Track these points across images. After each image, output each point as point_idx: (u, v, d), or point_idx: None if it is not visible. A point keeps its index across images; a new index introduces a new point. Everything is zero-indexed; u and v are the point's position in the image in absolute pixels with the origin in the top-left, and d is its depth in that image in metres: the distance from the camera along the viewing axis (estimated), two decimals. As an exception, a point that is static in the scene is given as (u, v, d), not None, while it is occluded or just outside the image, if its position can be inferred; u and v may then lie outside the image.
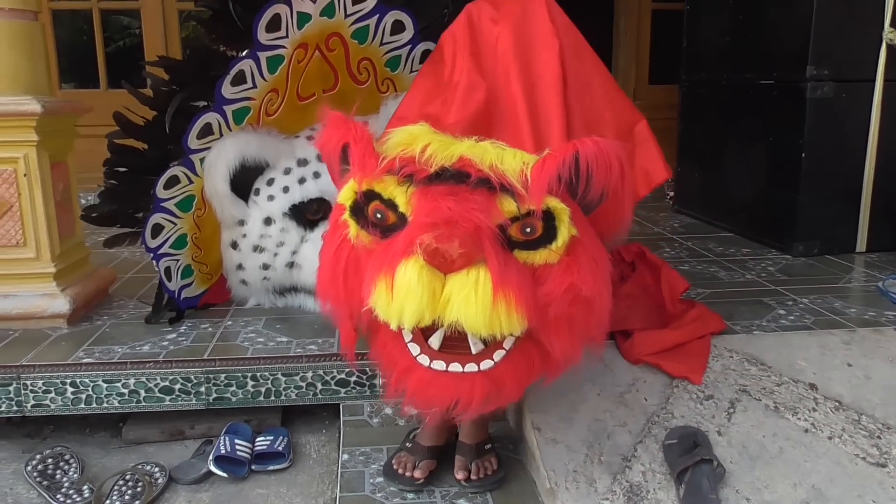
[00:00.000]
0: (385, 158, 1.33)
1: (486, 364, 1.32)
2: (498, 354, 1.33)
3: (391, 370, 1.39)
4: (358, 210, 1.35)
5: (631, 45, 4.38)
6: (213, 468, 1.74)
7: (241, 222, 2.17)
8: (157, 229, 2.04)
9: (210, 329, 2.11)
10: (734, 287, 2.48)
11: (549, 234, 1.29)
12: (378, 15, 2.12)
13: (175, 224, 2.08)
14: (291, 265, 2.20)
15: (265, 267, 2.20)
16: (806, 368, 1.91)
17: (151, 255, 2.07)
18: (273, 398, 1.90)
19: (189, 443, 1.93)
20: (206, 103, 2.02)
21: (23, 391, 1.83)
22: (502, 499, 1.59)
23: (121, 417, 2.01)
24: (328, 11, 2.05)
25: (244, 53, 2.00)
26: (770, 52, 3.00)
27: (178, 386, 1.86)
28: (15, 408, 1.83)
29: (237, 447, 1.78)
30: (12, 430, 1.98)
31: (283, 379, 1.89)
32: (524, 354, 1.35)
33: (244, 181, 2.13)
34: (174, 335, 2.06)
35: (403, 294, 1.23)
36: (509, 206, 1.27)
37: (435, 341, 1.34)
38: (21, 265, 2.10)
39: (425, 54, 2.28)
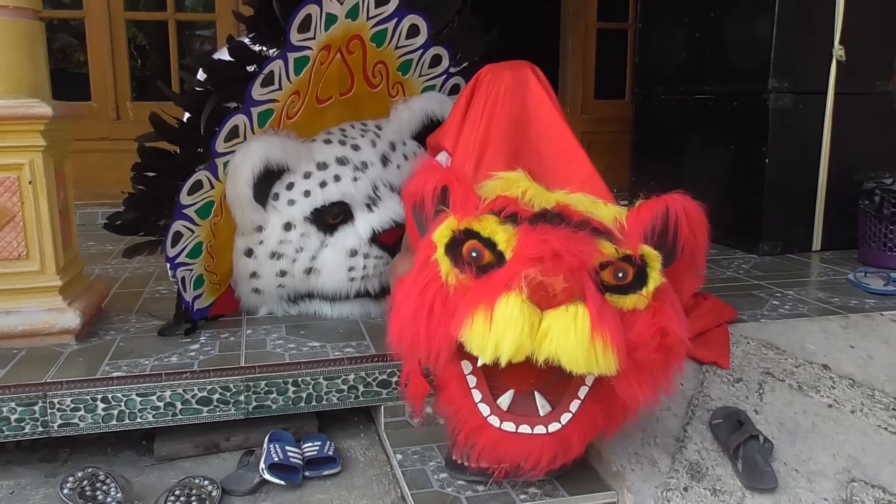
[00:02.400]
0: (486, 199, 1.41)
1: (554, 426, 1.43)
2: (565, 417, 1.44)
3: (460, 426, 1.47)
4: (453, 249, 1.40)
5: (577, 61, 4.55)
6: (267, 476, 1.68)
7: (259, 228, 2.12)
8: (177, 237, 1.97)
9: (232, 338, 2.05)
10: (719, 283, 2.63)
11: (640, 280, 1.39)
12: (397, 18, 2.14)
13: (193, 232, 2.01)
14: (309, 271, 2.17)
15: (282, 274, 2.16)
16: (816, 351, 2.06)
17: (169, 264, 1.99)
18: (314, 403, 1.86)
19: (226, 455, 1.86)
20: (236, 105, 1.97)
21: (49, 410, 1.71)
22: (570, 485, 1.62)
23: (143, 435, 1.91)
24: (353, 13, 2.05)
25: (276, 54, 1.95)
26: (730, 67, 3.21)
27: (216, 396, 1.80)
28: (40, 428, 1.71)
29: (289, 454, 1.73)
30: (26, 456, 1.85)
31: (325, 383, 1.86)
32: (589, 415, 1.45)
33: (263, 185, 2.09)
34: (197, 346, 1.99)
35: (503, 326, 1.29)
36: (608, 248, 1.37)
37: (504, 402, 1.44)
38: (24, 279, 1.97)
39: (434, 59, 2.32)
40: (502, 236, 1.37)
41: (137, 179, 1.99)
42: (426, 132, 2.32)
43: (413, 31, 2.20)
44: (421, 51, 2.26)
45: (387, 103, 2.31)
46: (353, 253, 2.16)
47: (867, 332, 2.16)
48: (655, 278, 1.39)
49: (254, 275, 2.18)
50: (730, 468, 1.65)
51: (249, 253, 2.15)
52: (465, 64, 2.36)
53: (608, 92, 4.70)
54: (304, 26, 1.92)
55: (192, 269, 2.06)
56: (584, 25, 4.57)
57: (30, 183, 1.94)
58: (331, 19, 1.99)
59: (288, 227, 2.12)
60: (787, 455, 1.70)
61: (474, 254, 1.39)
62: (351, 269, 2.17)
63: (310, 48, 1.98)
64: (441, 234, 1.41)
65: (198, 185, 1.96)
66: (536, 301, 1.30)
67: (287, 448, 1.75)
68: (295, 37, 1.91)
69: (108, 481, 1.68)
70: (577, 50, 4.58)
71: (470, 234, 1.39)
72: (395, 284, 1.79)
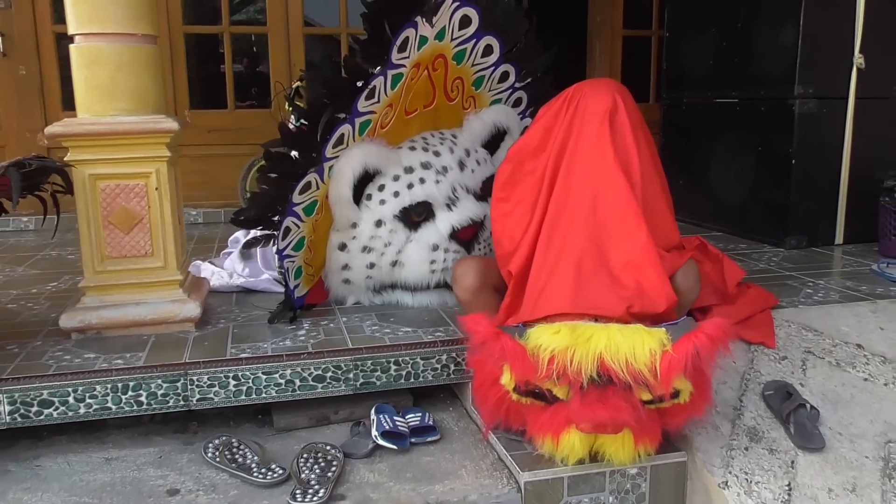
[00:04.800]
0: (542, 372, 1.64)
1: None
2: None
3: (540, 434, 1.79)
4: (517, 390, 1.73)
5: (604, 67, 4.81)
6: (381, 442, 1.94)
7: (354, 225, 2.39)
8: (286, 232, 2.24)
9: (332, 325, 2.31)
10: (754, 274, 2.88)
11: (674, 396, 1.68)
12: (475, 39, 2.40)
13: (299, 227, 2.28)
14: (395, 263, 2.44)
15: (371, 266, 2.43)
16: (850, 332, 2.31)
17: (278, 255, 2.26)
18: (412, 380, 2.12)
19: (335, 426, 2.11)
20: (344, 115, 2.23)
21: (189, 386, 1.97)
22: (646, 447, 1.88)
23: (258, 410, 2.17)
24: (440, 35, 2.32)
25: (377, 71, 2.21)
26: (757, 73, 3.46)
27: (329, 374, 2.05)
28: (182, 402, 1.97)
29: (397, 423, 1.99)
30: (160, 428, 2.10)
31: (422, 362, 2.11)
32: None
33: (359, 188, 2.36)
34: (304, 332, 2.24)
35: (567, 453, 1.75)
36: (646, 395, 1.66)
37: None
38: (150, 274, 2.23)
39: (503, 75, 2.57)
40: (560, 392, 1.68)
41: (263, 180, 2.27)
42: (493, 140, 2.59)
43: (487, 51, 2.46)
44: (492, 68, 2.52)
45: (460, 115, 2.56)
46: (435, 247, 2.42)
47: (894, 316, 2.41)
48: (685, 394, 1.67)
49: (345, 267, 2.45)
50: (782, 432, 1.91)
51: (343, 247, 2.42)
52: (529, 80, 2.61)
53: (634, 96, 4.93)
54: (403, 46, 2.19)
55: (294, 261, 2.32)
56: (610, 33, 4.83)
57: (156, 189, 2.19)
58: (423, 40, 2.25)
59: (378, 224, 2.39)
60: (831, 421, 1.96)
61: (537, 391, 1.71)
62: (432, 262, 2.43)
63: (405, 66, 2.24)
64: (505, 380, 1.71)
65: (307, 186, 2.23)
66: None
67: (394, 418, 2.01)
68: (395, 56, 2.18)
69: (241, 447, 1.94)
70: (604, 56, 4.84)
71: (530, 385, 1.70)
72: (457, 286, 2.12)
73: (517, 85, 2.61)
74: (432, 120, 2.53)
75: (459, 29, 2.34)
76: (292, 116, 4.18)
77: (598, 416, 1.63)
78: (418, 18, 2.22)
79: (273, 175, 2.21)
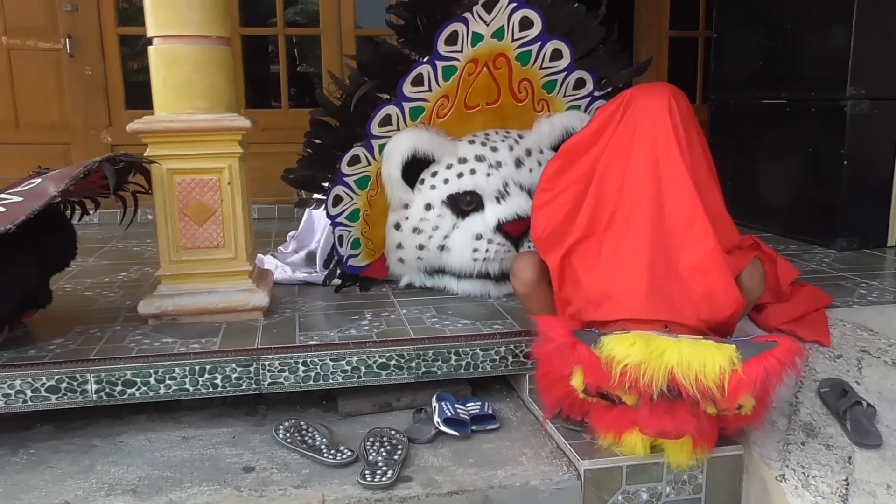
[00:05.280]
0: (614, 381, 1.70)
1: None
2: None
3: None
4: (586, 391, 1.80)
5: (651, 69, 4.83)
6: (443, 428, 2.02)
7: (406, 206, 2.53)
8: (338, 200, 2.42)
9: (393, 316, 2.39)
10: (806, 274, 2.89)
11: (737, 409, 1.71)
12: (540, 42, 2.47)
13: (352, 198, 2.45)
14: (442, 248, 2.55)
15: (420, 247, 2.56)
16: (905, 332, 2.33)
17: (330, 221, 2.45)
18: (471, 370, 2.19)
19: (397, 413, 2.20)
20: (388, 97, 2.39)
21: (261, 371, 2.06)
22: (702, 439, 1.93)
23: (321, 396, 2.26)
24: (498, 34, 2.41)
25: (424, 59, 2.38)
26: (807, 74, 3.47)
27: (393, 362, 2.13)
28: (254, 386, 2.07)
29: (458, 410, 2.07)
30: (231, 410, 2.21)
31: (481, 353, 2.18)
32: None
33: (413, 170, 2.49)
34: (366, 322, 2.33)
35: (628, 451, 1.82)
36: (711, 409, 1.71)
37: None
38: (221, 264, 2.34)
39: (578, 82, 2.63)
40: (629, 399, 1.74)
41: (307, 144, 2.49)
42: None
43: (556, 55, 2.53)
44: (565, 73, 2.58)
45: (531, 116, 2.64)
46: (479, 237, 2.51)
47: (949, 317, 2.42)
48: (748, 407, 1.70)
49: (399, 245, 2.59)
50: (839, 428, 1.94)
51: (397, 226, 2.56)
52: (610, 89, 2.67)
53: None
54: (451, 40, 2.32)
55: (350, 231, 2.49)
56: (656, 34, 4.86)
57: (228, 184, 2.30)
58: (477, 37, 2.36)
59: (428, 207, 2.51)
60: (887, 419, 1.98)
61: (604, 394, 1.77)
62: (475, 250, 2.51)
63: (457, 59, 2.37)
64: (576, 382, 1.77)
65: (356, 159, 2.41)
66: None
67: (455, 406, 2.09)
68: (442, 48, 2.33)
69: (310, 429, 2.04)
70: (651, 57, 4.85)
71: (600, 390, 1.77)
72: (515, 280, 2.15)
73: (596, 94, 2.67)
74: (499, 118, 2.61)
75: (521, 30, 2.42)
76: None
77: (664, 426, 1.72)
78: (468, 14, 2.32)
79: (317, 141, 2.40)
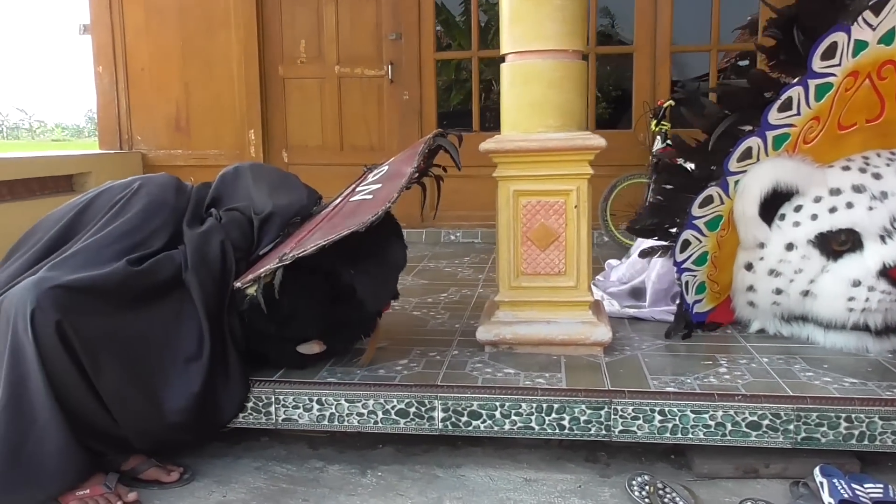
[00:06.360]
0: None
1: None
2: None
3: None
4: None
5: None
6: (839, 512, 1.66)
7: (761, 245, 2.20)
8: (685, 245, 2.18)
9: (755, 365, 2.06)
10: None
11: None
12: (941, 42, 2.02)
13: (700, 242, 2.19)
14: (806, 294, 2.18)
15: (777, 292, 2.22)
16: None
17: (676, 268, 2.20)
18: (866, 442, 1.79)
19: (765, 481, 1.87)
20: (750, 128, 2.10)
21: (612, 416, 1.86)
22: None
23: (670, 449, 2.00)
24: (887, 38, 2.02)
25: (795, 80, 2.06)
26: None
27: (766, 422, 1.81)
28: (603, 432, 1.87)
29: (856, 492, 1.69)
30: (569, 454, 2.03)
31: (881, 423, 1.78)
32: None
33: (771, 205, 2.17)
34: (724, 369, 2.03)
35: None
36: None
37: None
38: (562, 293, 2.18)
39: None
40: None
41: (657, 191, 2.29)
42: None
43: (963, 53, 2.05)
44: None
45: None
46: (857, 283, 2.10)
47: None
48: None
49: (750, 288, 2.27)
50: None
51: (749, 267, 2.24)
52: None
53: None
54: (829, 53, 1.98)
55: (695, 276, 2.23)
56: None
57: (575, 207, 2.14)
58: (860, 45, 2.01)
59: (789, 247, 2.17)
60: None
61: None
62: (851, 298, 2.11)
63: (833, 74, 2.02)
64: None
65: (709, 200, 2.15)
66: None
67: (852, 485, 1.71)
68: (817, 64, 1.99)
69: (668, 490, 1.78)
70: None
71: None
72: None
73: None
74: (880, 136, 2.19)
75: (913, 30, 1.99)
76: (658, 137, 4.02)
77: None
78: (853, 22, 1.96)
79: (669, 187, 2.17)
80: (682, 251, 2.20)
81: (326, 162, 4.64)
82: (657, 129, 3.98)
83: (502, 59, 2.21)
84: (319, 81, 4.71)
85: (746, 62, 4.78)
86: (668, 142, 3.97)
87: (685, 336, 2.30)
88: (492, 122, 5.47)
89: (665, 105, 3.94)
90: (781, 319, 2.30)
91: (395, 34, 4.49)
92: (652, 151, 4.06)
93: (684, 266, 2.22)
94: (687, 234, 2.18)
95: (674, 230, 2.23)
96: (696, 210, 2.16)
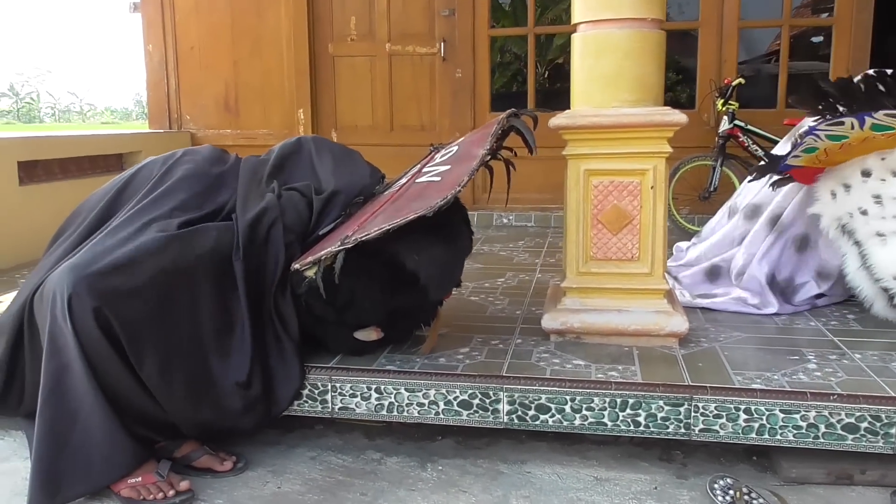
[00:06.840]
0: None
1: None
2: None
3: None
4: None
5: None
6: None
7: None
8: (838, 123, 2.06)
9: (847, 362, 1.90)
10: None
11: None
12: None
13: (852, 130, 2.08)
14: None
15: (864, 213, 2.19)
16: None
17: (810, 129, 2.10)
18: (978, 450, 1.63)
19: (860, 489, 1.71)
20: None
21: (692, 413, 1.72)
22: None
23: (753, 450, 1.86)
24: None
25: None
26: None
27: (864, 424, 1.66)
28: (682, 430, 1.73)
29: (969, 505, 1.53)
30: (641, 452, 1.90)
31: None
32: None
33: None
34: (814, 366, 1.87)
35: None
36: None
37: None
38: (634, 280, 2.04)
39: None
40: None
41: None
42: None
43: None
44: None
45: None
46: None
47: None
48: None
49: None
50: None
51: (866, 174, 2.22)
52: None
53: None
54: None
55: (816, 143, 2.16)
56: None
57: (651, 188, 1.99)
58: None
59: None
60: None
61: None
62: None
63: None
64: None
65: (839, 123, 2.06)
66: None
67: (965, 498, 1.55)
68: None
69: (755, 496, 1.64)
70: None
71: None
72: None
73: None
74: None
75: None
76: (725, 118, 3.82)
77: None
78: None
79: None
80: (830, 123, 2.08)
81: (377, 142, 4.53)
82: (724, 108, 3.77)
83: (574, 28, 2.07)
84: (370, 59, 4.59)
85: (821, 38, 4.53)
86: (736, 122, 3.77)
87: (774, 184, 2.41)
88: (542, 104, 5.30)
89: (734, 83, 3.72)
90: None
91: (448, 10, 4.34)
92: (718, 132, 3.85)
93: (817, 130, 2.11)
94: (848, 119, 2.05)
95: (843, 109, 2.11)
96: (822, 126, 2.08)
